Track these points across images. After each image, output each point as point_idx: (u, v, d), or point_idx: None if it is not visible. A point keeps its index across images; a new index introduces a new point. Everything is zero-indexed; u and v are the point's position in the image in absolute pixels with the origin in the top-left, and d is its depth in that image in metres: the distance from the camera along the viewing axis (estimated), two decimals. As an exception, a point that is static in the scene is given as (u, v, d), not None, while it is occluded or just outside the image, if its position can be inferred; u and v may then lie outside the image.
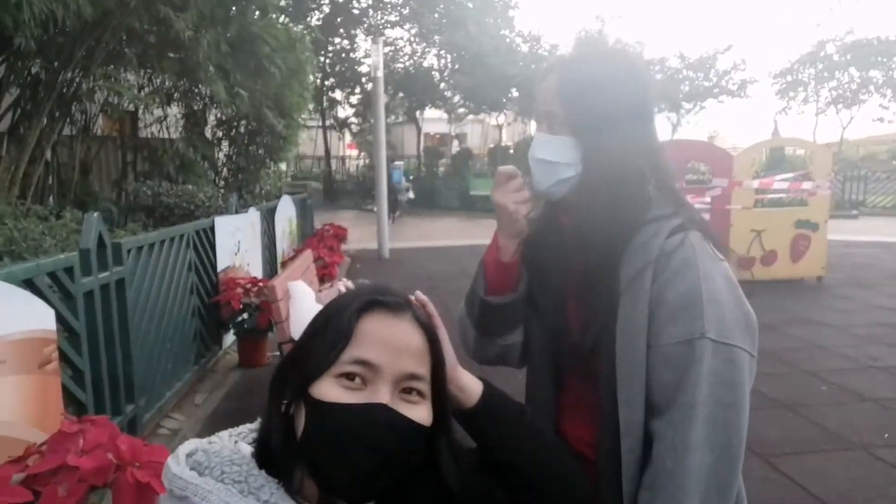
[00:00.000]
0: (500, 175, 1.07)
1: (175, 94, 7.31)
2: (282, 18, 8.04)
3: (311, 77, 9.12)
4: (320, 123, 23.12)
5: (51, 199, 5.67)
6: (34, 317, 2.03)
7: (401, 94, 22.15)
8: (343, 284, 3.51)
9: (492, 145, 24.99)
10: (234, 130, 8.23)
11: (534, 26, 43.68)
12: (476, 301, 1.14)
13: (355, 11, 21.52)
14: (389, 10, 21.99)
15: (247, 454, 0.71)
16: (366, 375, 0.70)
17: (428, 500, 0.76)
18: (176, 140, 7.41)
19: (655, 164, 1.03)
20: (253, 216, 5.47)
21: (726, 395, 0.88)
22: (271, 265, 6.23)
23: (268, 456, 0.71)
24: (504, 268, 1.10)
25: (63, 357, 2.27)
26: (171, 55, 6.13)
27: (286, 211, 7.15)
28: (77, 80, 5.15)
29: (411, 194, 17.76)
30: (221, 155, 8.49)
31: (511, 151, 22.01)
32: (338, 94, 23.58)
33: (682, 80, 20.63)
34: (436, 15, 20.88)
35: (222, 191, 7.02)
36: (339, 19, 21.18)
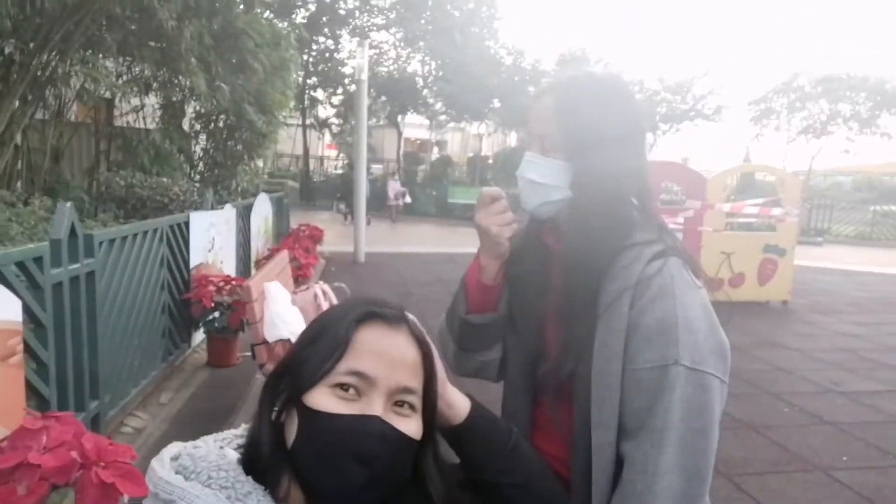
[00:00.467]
0: (483, 196, 1.06)
1: (154, 84, 7.18)
2: (267, 14, 7.98)
3: (295, 75, 9.05)
4: (300, 122, 22.93)
5: (19, 184, 5.50)
6: (0, 307, 1.96)
7: (383, 98, 22.15)
8: (319, 287, 3.48)
9: (471, 154, 25.10)
10: (212, 124, 8.11)
11: (518, 40, 44.10)
12: (456, 319, 1.15)
13: (342, 12, 21.50)
14: (376, 13, 22.00)
15: (233, 460, 0.70)
16: (360, 387, 0.70)
17: None
18: (152, 131, 7.27)
19: (642, 187, 1.04)
20: (229, 213, 5.38)
21: (697, 421, 0.89)
22: (245, 263, 6.13)
23: (255, 462, 0.70)
24: (486, 289, 1.11)
25: (28, 350, 2.19)
26: (153, 44, 6.02)
27: (262, 209, 7.05)
28: (53, 63, 5.02)
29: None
30: (198, 149, 8.35)
31: (490, 161, 22.16)
32: (319, 94, 23.44)
33: (660, 102, 21.06)
34: (422, 21, 21.00)
35: (197, 185, 6.90)
36: (324, 18, 21.11)
